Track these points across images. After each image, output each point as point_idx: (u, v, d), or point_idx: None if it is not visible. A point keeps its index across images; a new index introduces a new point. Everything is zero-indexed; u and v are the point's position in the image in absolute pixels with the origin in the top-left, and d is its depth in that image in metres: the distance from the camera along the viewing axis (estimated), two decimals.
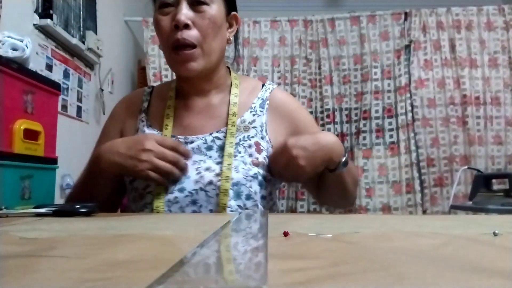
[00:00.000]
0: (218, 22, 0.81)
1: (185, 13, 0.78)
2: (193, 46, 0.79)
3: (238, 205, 0.76)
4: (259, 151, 0.81)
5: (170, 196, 0.76)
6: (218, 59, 0.85)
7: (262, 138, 0.83)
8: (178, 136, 0.83)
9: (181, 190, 0.76)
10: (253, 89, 0.91)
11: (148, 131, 0.85)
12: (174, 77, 0.95)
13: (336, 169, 0.76)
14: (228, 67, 0.94)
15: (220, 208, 0.75)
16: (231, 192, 0.75)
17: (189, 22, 0.78)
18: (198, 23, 0.79)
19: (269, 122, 0.86)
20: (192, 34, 0.78)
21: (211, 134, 0.82)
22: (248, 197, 0.77)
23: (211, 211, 0.76)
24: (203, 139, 0.82)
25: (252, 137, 0.82)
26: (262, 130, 0.84)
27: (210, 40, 0.80)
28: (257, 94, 0.89)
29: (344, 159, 0.76)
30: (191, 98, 0.88)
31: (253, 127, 0.84)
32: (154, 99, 0.92)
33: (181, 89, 0.90)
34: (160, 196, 0.76)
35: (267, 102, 0.88)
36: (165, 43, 0.81)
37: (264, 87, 0.91)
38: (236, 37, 0.94)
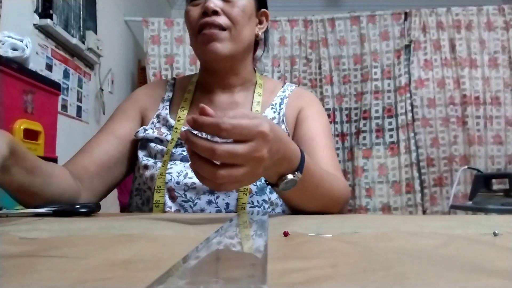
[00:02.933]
0: (247, 12, 0.81)
1: (214, 0, 0.77)
2: (221, 27, 0.78)
3: (263, 200, 0.76)
4: None
5: (188, 181, 0.75)
6: (246, 50, 0.84)
7: None
8: None
9: None
10: (274, 89, 0.91)
11: (171, 120, 0.84)
12: (175, 76, 0.95)
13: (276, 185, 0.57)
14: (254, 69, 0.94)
15: (239, 207, 0.74)
16: (254, 188, 0.75)
17: (218, 9, 0.77)
18: (227, 10, 0.79)
19: (286, 111, 0.87)
20: (221, 19, 0.78)
21: None
22: (272, 190, 0.77)
23: (227, 204, 0.75)
24: None
25: None
26: (280, 120, 0.85)
27: (240, 27, 0.79)
28: (277, 93, 0.90)
29: (285, 182, 0.55)
30: (216, 93, 0.87)
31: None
32: (177, 91, 0.91)
33: (206, 83, 0.89)
34: (160, 190, 0.75)
35: (286, 99, 0.89)
36: (193, 30, 0.81)
37: (283, 87, 0.92)
38: (265, 36, 0.94)
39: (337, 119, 2.86)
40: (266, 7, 0.90)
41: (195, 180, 0.74)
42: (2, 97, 1.12)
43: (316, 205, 0.66)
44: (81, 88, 2.21)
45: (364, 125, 2.81)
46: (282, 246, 0.32)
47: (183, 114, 0.84)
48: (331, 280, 0.21)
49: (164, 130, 0.83)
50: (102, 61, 2.41)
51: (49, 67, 1.88)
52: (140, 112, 0.89)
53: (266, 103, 0.87)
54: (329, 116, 2.83)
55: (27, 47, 1.36)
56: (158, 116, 0.86)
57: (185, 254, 0.25)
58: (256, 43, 0.92)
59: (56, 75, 1.92)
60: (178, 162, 0.78)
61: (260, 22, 0.88)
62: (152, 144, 0.81)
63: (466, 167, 2.45)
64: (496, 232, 0.37)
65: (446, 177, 2.75)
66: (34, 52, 1.72)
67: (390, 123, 2.81)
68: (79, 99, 2.18)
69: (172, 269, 0.21)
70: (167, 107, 0.87)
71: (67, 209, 0.59)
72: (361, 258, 0.27)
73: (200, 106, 0.46)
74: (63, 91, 1.99)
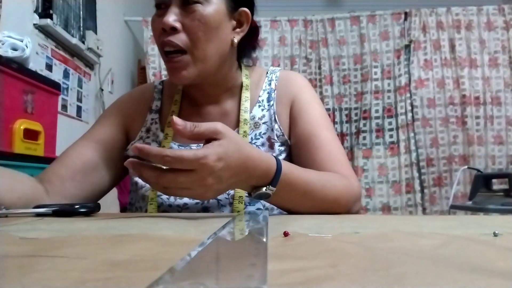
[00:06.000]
0: (211, 23, 0.71)
1: (172, 15, 0.70)
2: (181, 51, 0.71)
3: (258, 208, 0.73)
4: (271, 146, 0.78)
5: (179, 202, 0.73)
6: (217, 64, 0.75)
7: (272, 129, 0.79)
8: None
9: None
10: (259, 81, 0.85)
11: (161, 135, 0.79)
12: None
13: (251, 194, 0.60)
14: (239, 64, 0.85)
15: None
16: (247, 199, 0.72)
17: (176, 24, 0.69)
18: (187, 25, 0.70)
19: (277, 108, 0.81)
20: (179, 38, 0.70)
21: None
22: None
23: None
24: None
25: (264, 133, 0.79)
26: (272, 119, 0.80)
27: (203, 45, 0.71)
28: (262, 85, 0.84)
29: (258, 194, 0.58)
30: (202, 105, 0.82)
31: (263, 123, 0.79)
32: (165, 99, 0.86)
33: (190, 95, 0.83)
34: (152, 202, 0.73)
35: (274, 92, 0.82)
36: (158, 46, 0.75)
37: (267, 77, 0.85)
38: (251, 37, 0.82)
39: (337, 119, 2.86)
40: (247, 6, 0.77)
41: (186, 200, 0.73)
42: (2, 97, 1.12)
43: (308, 209, 0.64)
44: (81, 88, 2.21)
45: (364, 125, 2.81)
46: (282, 246, 0.32)
47: (170, 130, 0.78)
48: (331, 280, 0.21)
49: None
50: (102, 61, 2.41)
51: (49, 67, 1.88)
52: (124, 121, 0.83)
53: (253, 101, 0.82)
54: (329, 116, 2.83)
55: (27, 47, 1.36)
56: (148, 130, 0.82)
57: (185, 254, 0.25)
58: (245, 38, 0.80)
59: (56, 75, 1.92)
60: None
61: (240, 25, 0.77)
62: None
63: (466, 167, 2.45)
64: (496, 232, 0.37)
65: (445, 177, 2.76)
66: (34, 52, 1.72)
67: (390, 123, 2.81)
68: (79, 99, 2.19)
69: (172, 269, 0.21)
70: (157, 120, 0.82)
71: (67, 209, 0.59)
72: (361, 258, 0.27)
73: (171, 118, 0.50)
74: (63, 91, 1.99)
